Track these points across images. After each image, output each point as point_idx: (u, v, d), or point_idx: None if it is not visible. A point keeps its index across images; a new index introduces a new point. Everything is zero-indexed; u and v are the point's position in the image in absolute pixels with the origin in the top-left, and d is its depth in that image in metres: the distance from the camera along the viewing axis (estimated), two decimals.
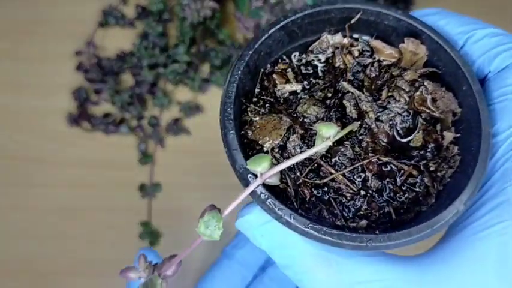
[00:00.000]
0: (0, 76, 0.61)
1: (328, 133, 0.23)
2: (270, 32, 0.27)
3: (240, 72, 0.26)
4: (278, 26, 0.27)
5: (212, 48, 0.59)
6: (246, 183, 0.23)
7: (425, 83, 0.27)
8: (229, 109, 0.25)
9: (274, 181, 0.24)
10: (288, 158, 0.25)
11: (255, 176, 0.23)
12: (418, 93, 0.26)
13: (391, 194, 0.26)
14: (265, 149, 0.26)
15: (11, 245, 0.55)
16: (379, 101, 0.27)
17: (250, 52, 0.27)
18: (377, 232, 0.23)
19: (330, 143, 0.24)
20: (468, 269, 0.23)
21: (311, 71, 0.29)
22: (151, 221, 0.55)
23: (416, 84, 0.27)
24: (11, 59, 0.61)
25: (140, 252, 0.25)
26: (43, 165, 0.57)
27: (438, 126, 0.27)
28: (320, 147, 0.24)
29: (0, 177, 0.57)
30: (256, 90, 0.29)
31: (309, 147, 0.26)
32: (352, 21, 0.28)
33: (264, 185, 0.23)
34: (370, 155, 0.26)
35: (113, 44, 0.62)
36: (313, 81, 0.29)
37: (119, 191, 0.56)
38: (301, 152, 0.25)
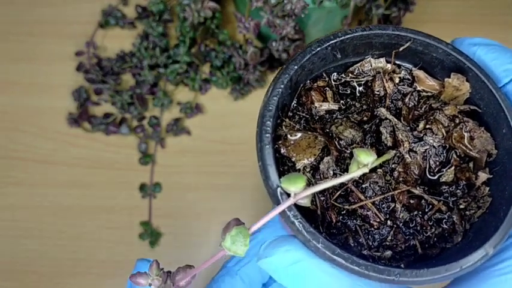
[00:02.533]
0: (0, 76, 0.61)
1: (366, 160, 0.23)
2: (318, 49, 0.26)
3: (283, 86, 0.25)
4: (326, 44, 0.27)
5: (212, 49, 0.59)
6: (277, 201, 0.23)
7: (465, 121, 0.27)
8: (268, 122, 0.24)
9: (306, 202, 0.23)
10: (320, 179, 0.25)
11: (287, 194, 0.23)
12: (457, 129, 0.27)
13: (418, 228, 0.25)
14: (297, 167, 0.25)
15: (11, 245, 0.55)
16: (416, 132, 0.27)
17: (296, 67, 0.26)
18: (402, 266, 0.23)
19: (367, 170, 0.23)
20: None
21: (348, 92, 0.29)
22: (151, 221, 0.55)
23: (456, 121, 0.27)
24: (11, 59, 0.61)
25: (141, 262, 0.24)
26: (43, 165, 0.57)
27: (471, 165, 0.27)
28: (356, 173, 0.23)
29: (0, 177, 0.57)
30: (293, 104, 0.28)
31: (341, 171, 0.25)
32: (401, 49, 0.28)
33: (295, 205, 0.23)
34: (401, 185, 0.26)
35: (113, 45, 0.62)
36: (350, 102, 0.29)
37: (119, 191, 0.56)
38: (333, 174, 0.25)
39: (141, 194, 0.56)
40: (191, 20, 0.54)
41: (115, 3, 0.63)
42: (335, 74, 0.29)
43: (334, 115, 0.28)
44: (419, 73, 0.28)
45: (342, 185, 0.25)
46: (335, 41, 0.27)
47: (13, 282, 0.54)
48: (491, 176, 0.26)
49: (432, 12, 0.63)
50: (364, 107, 0.28)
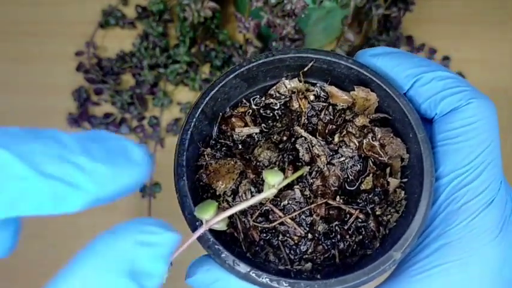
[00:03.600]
0: (0, 76, 0.61)
1: (273, 181, 0.24)
2: (225, 80, 0.27)
3: (194, 119, 0.27)
4: (232, 75, 0.28)
5: (212, 49, 0.59)
6: (194, 229, 0.24)
7: (375, 130, 0.27)
8: (182, 156, 0.26)
9: (221, 227, 0.25)
10: (239, 202, 0.26)
11: (201, 222, 0.24)
12: (366, 139, 0.27)
13: (338, 237, 0.26)
14: (217, 193, 0.26)
15: None
16: (332, 145, 0.28)
17: (206, 100, 0.27)
18: (318, 277, 0.24)
19: (275, 191, 0.24)
20: None
21: (270, 114, 0.30)
22: None
23: (365, 131, 0.28)
24: (11, 59, 0.61)
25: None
26: None
27: (388, 171, 0.27)
28: (265, 194, 0.24)
29: None
30: (214, 133, 0.29)
31: (259, 192, 0.26)
32: (305, 69, 0.29)
33: (211, 230, 0.24)
34: (319, 198, 0.27)
35: (113, 44, 0.62)
36: (271, 123, 0.30)
37: None
38: (251, 196, 0.26)
39: (141, 194, 0.56)
40: (191, 20, 0.54)
41: (115, 3, 0.63)
42: (257, 98, 0.30)
43: (256, 138, 0.29)
44: (331, 89, 0.29)
45: (261, 205, 0.26)
46: (241, 70, 0.28)
47: (13, 282, 0.54)
48: (406, 180, 0.27)
49: (431, 12, 0.63)
50: (284, 127, 0.29)
